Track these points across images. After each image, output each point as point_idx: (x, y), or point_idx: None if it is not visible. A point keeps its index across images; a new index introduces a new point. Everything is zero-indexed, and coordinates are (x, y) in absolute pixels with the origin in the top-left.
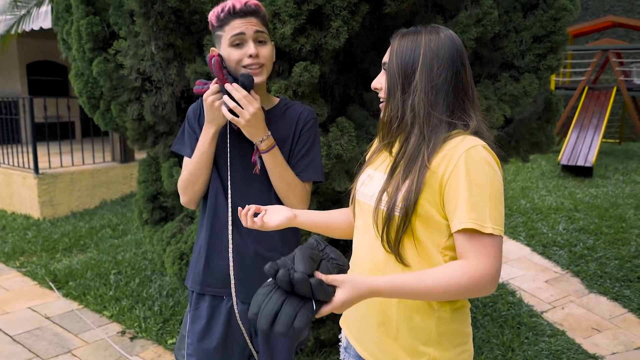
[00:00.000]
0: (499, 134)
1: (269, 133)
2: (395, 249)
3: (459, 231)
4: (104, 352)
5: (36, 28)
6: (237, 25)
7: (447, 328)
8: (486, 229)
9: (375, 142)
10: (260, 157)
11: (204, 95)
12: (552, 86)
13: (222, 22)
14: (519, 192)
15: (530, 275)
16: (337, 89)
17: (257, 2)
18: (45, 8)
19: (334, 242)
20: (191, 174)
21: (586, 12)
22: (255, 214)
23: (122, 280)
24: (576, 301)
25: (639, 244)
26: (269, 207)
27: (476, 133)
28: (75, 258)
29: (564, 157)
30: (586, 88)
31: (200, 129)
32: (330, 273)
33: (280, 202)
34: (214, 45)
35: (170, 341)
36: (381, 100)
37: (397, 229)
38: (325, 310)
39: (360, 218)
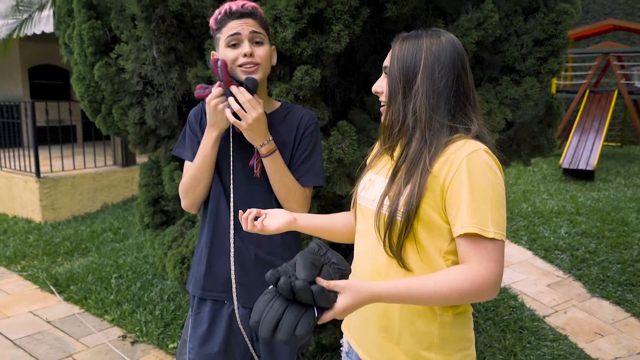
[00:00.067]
0: (500, 138)
1: (270, 138)
2: (397, 253)
3: (461, 236)
4: (105, 357)
5: (38, 32)
6: (233, 26)
7: (449, 333)
8: (488, 234)
9: (376, 146)
10: (260, 161)
11: (207, 99)
12: (554, 89)
13: (220, 24)
14: (521, 196)
15: (532, 279)
16: (338, 93)
17: (254, 4)
18: (47, 12)
19: (335, 247)
20: (193, 178)
21: (587, 15)
22: (256, 218)
23: (123, 284)
24: (578, 305)
25: None
26: (269, 211)
27: (477, 137)
28: (76, 262)
29: (565, 161)
30: (587, 91)
31: (202, 133)
32: (332, 278)
33: (281, 206)
34: (214, 49)
35: (171, 345)
36: (382, 104)
37: (399, 234)
38: (327, 316)
39: (361, 222)
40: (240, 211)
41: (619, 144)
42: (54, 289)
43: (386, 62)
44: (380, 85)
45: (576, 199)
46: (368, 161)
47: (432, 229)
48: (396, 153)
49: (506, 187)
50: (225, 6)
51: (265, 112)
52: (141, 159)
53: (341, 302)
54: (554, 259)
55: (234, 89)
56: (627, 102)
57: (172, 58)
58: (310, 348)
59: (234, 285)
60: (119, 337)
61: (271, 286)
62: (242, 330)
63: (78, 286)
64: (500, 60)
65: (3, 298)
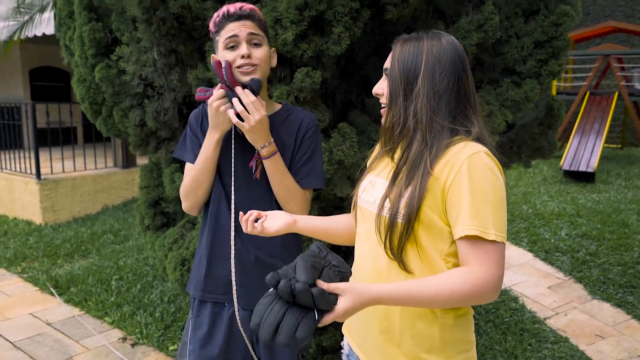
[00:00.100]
0: (500, 140)
1: (272, 140)
2: (398, 256)
3: (461, 238)
4: (105, 359)
5: (39, 34)
6: (231, 28)
7: (450, 335)
8: (489, 236)
9: (376, 149)
10: (260, 163)
11: (209, 101)
12: (554, 91)
13: (219, 26)
14: (521, 198)
15: (533, 281)
16: (338, 95)
17: (252, 6)
18: (48, 14)
19: (335, 249)
20: (194, 180)
21: (587, 17)
22: (256, 220)
23: (124, 286)
24: (579, 307)
25: None
26: (269, 213)
27: (478, 139)
28: (76, 264)
29: (565, 163)
30: (587, 93)
31: (203, 135)
32: (333, 281)
33: (281, 208)
34: (214, 52)
35: (171, 347)
36: (382, 105)
37: (400, 236)
38: (328, 319)
39: (362, 224)
40: (241, 213)
41: (619, 146)
42: (54, 291)
43: (387, 64)
44: (381, 87)
45: (577, 200)
46: (368, 163)
47: (433, 231)
48: (397, 155)
49: (507, 189)
50: (224, 9)
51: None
52: (142, 160)
53: (342, 304)
54: (554, 260)
55: (238, 90)
56: (627, 104)
57: (173, 60)
58: (311, 350)
59: (234, 288)
60: (119, 339)
61: (271, 289)
62: (243, 332)
63: (78, 288)
64: (500, 62)
65: (3, 300)
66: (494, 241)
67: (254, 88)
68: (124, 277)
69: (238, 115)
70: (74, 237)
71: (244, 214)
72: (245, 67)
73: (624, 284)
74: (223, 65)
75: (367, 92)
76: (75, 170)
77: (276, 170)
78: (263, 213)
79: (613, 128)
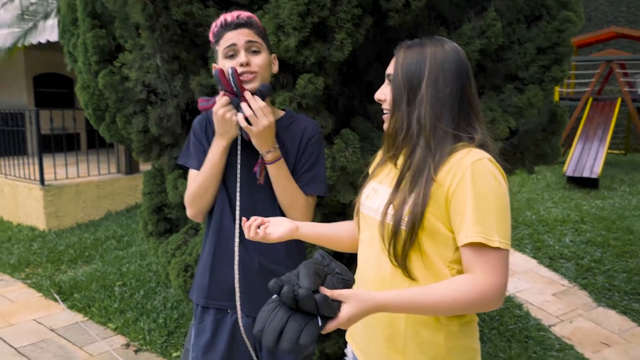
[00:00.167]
0: (503, 147)
1: (277, 146)
2: (402, 263)
3: (465, 245)
4: None
5: (43, 41)
6: (229, 37)
7: (455, 343)
8: (493, 243)
9: (378, 156)
10: (264, 168)
11: (214, 109)
12: (556, 97)
13: (217, 36)
14: (525, 204)
15: (537, 288)
16: (341, 101)
17: (249, 14)
18: (52, 21)
19: (338, 257)
20: (200, 187)
21: (589, 22)
22: (258, 226)
23: (127, 292)
24: (584, 315)
25: None
26: (272, 219)
27: (481, 146)
28: (80, 270)
29: (569, 169)
30: (590, 99)
31: (207, 141)
32: (336, 288)
33: (284, 215)
34: (215, 61)
35: (174, 354)
36: (384, 111)
37: (403, 243)
38: (331, 326)
39: (365, 231)
40: (244, 218)
41: (623, 152)
42: (57, 297)
43: (389, 70)
44: (383, 93)
45: (581, 207)
46: (370, 170)
47: (437, 238)
48: (400, 161)
49: (510, 195)
50: (221, 18)
51: None
52: (145, 166)
53: (345, 311)
54: (558, 267)
55: (247, 95)
56: (630, 110)
57: (176, 66)
58: (314, 357)
59: (237, 294)
60: (122, 345)
61: (275, 295)
62: (246, 339)
63: (82, 294)
64: (503, 68)
65: (7, 306)
66: (498, 248)
67: (263, 92)
68: (127, 283)
69: (247, 120)
70: (78, 243)
71: (247, 220)
72: (245, 75)
73: (629, 291)
74: (230, 72)
75: (369, 99)
76: (78, 176)
77: (280, 176)
78: (266, 219)
79: (616, 134)
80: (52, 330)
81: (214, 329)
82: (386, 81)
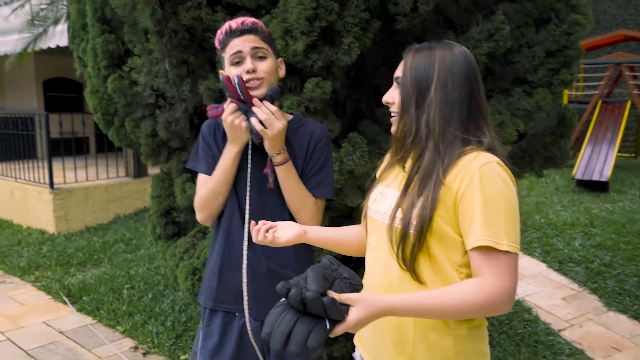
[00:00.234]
0: (512, 150)
1: (285, 148)
2: (410, 266)
3: (474, 248)
4: None
5: (52, 46)
6: (235, 44)
7: (464, 347)
8: (502, 246)
9: (386, 159)
10: (274, 171)
11: (223, 116)
12: (565, 100)
13: (223, 43)
14: (534, 208)
15: (547, 292)
16: (348, 105)
17: (254, 19)
18: (62, 27)
19: (345, 261)
20: (212, 192)
21: (598, 25)
22: (267, 230)
23: (135, 295)
24: (595, 319)
25: None
26: (280, 223)
27: (490, 149)
28: (89, 273)
29: (578, 172)
30: (599, 102)
31: (216, 145)
32: (344, 292)
33: (293, 218)
34: (222, 68)
35: (182, 357)
36: (392, 114)
37: (412, 247)
38: (339, 329)
39: (372, 235)
40: (253, 222)
41: (632, 155)
42: (66, 300)
43: (398, 73)
44: (391, 96)
45: (590, 210)
46: (377, 174)
47: (445, 241)
48: (408, 164)
49: (519, 198)
50: (226, 25)
51: None
52: (153, 170)
53: (353, 315)
54: (568, 271)
55: (256, 101)
56: None
57: (184, 71)
58: None
59: (245, 298)
60: (130, 348)
61: (283, 299)
62: (254, 342)
63: (90, 297)
64: (511, 71)
65: (17, 308)
66: (506, 252)
67: (273, 97)
68: (135, 286)
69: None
70: (87, 246)
71: (256, 224)
72: (252, 82)
73: None
74: (236, 81)
75: (377, 102)
76: (87, 180)
77: (289, 178)
78: (274, 223)
79: (626, 137)
80: (61, 332)
81: (222, 332)
82: (394, 84)
